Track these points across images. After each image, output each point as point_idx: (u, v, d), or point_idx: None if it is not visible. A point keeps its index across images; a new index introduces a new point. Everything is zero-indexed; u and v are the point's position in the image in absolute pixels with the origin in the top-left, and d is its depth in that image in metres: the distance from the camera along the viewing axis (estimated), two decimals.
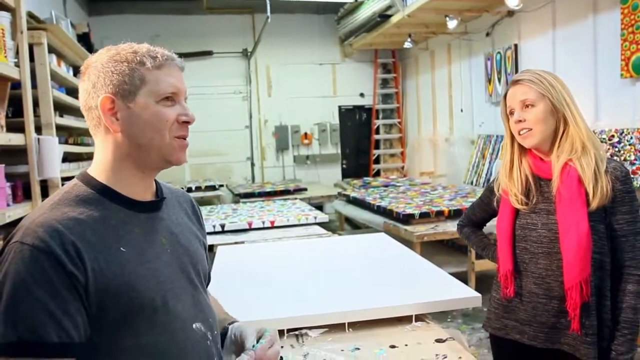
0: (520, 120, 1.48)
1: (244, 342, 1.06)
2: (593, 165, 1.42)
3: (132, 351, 0.86)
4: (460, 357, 1.60)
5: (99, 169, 0.95)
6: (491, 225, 1.88)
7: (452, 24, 5.79)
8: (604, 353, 1.42)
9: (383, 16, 6.53)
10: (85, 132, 4.70)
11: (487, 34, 6.07)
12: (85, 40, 4.89)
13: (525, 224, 1.53)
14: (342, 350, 1.70)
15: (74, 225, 0.85)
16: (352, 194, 6.06)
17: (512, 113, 1.52)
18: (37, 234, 0.82)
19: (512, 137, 1.55)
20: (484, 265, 4.27)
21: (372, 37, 7.31)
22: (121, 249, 0.89)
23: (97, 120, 0.94)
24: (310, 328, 1.84)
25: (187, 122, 0.96)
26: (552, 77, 1.49)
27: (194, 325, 0.96)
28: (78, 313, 0.82)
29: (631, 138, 3.84)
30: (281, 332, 1.79)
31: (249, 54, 8.23)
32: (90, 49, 4.59)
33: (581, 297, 1.39)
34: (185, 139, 0.97)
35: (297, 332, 1.83)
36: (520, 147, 1.55)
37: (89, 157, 4.92)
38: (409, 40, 6.95)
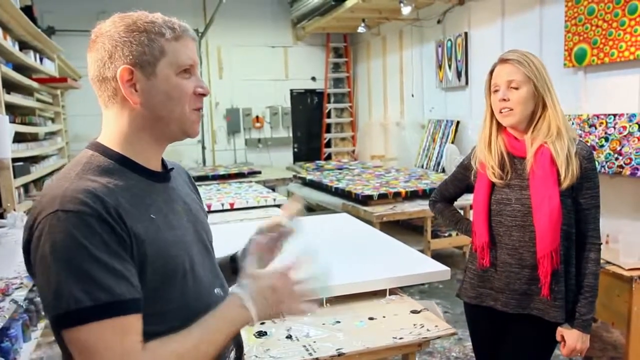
0: (504, 99, 1.56)
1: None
2: (566, 150, 1.53)
3: (164, 315, 0.87)
4: (436, 326, 1.71)
5: (113, 141, 0.93)
6: (458, 205, 1.99)
7: (406, 10, 5.90)
8: (567, 315, 1.57)
9: (337, 0, 6.56)
10: (31, 112, 4.46)
11: (439, 22, 6.24)
12: (28, 14, 4.61)
13: (500, 199, 1.63)
14: (323, 324, 1.76)
15: (108, 193, 0.84)
16: (309, 177, 6.12)
17: (496, 91, 1.60)
18: (78, 199, 0.80)
19: (492, 113, 1.64)
20: (439, 244, 4.46)
21: (325, 21, 7.33)
22: (151, 215, 0.89)
23: (113, 92, 0.91)
24: None
25: (203, 94, 0.97)
26: (537, 61, 1.57)
27: (215, 290, 0.99)
28: (134, 271, 0.82)
29: (572, 124, 4.10)
30: None
31: (199, 34, 8.02)
32: (35, 22, 4.33)
33: (552, 266, 1.52)
34: (200, 110, 0.98)
35: None
36: (498, 123, 1.64)
37: (33, 137, 4.64)
38: (363, 25, 7.02)
